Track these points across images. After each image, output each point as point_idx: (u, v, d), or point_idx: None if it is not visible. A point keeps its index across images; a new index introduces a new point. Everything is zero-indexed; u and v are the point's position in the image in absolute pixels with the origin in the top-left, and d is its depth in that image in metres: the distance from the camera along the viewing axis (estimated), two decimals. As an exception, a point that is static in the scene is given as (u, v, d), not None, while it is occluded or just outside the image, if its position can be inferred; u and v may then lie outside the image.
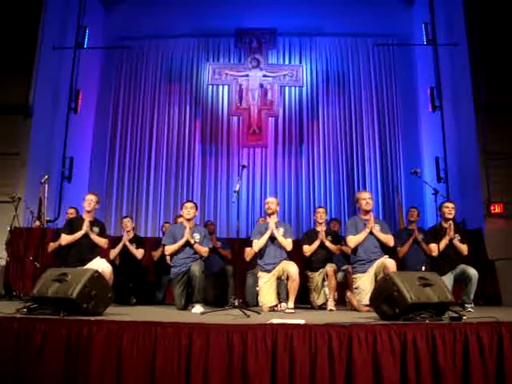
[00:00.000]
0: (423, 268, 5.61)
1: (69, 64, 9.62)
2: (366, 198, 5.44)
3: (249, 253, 6.14)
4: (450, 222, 5.47)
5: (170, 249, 5.50)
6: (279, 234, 5.50)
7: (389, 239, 5.38)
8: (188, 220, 5.55)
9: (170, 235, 5.58)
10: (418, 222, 6.65)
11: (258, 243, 5.51)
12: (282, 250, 5.50)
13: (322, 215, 6.18)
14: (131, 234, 6.57)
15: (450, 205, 5.55)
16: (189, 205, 5.63)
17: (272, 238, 5.50)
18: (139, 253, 6.43)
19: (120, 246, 6.35)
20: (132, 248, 6.38)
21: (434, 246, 5.43)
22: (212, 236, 6.76)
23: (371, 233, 5.31)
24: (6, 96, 8.16)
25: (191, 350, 2.95)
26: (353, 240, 5.33)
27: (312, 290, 5.94)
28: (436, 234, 5.53)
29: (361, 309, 5.05)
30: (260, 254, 5.56)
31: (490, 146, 7.93)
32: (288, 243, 5.51)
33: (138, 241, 6.57)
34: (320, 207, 6.56)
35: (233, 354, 2.93)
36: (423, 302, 3.44)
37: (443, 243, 5.39)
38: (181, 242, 5.41)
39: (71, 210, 6.76)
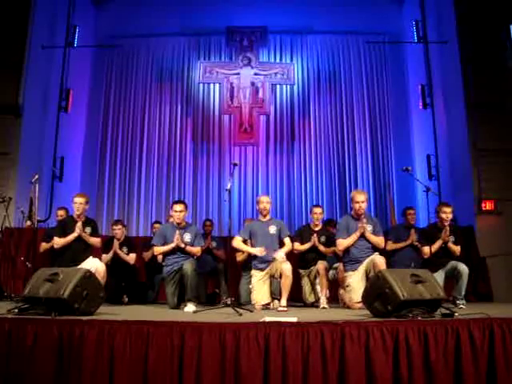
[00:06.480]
0: (412, 265, 5.62)
1: (59, 63, 9.54)
2: (359, 202, 5.25)
3: (239, 257, 6.19)
4: (447, 226, 5.43)
5: (159, 250, 5.45)
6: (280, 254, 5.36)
7: (380, 242, 5.34)
8: (178, 224, 5.45)
9: (160, 235, 5.49)
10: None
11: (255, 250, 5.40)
12: (276, 246, 5.46)
13: (319, 216, 6.12)
14: (122, 237, 6.50)
15: (448, 209, 5.45)
16: (178, 208, 5.41)
17: (266, 236, 5.45)
18: (131, 258, 6.35)
19: (111, 253, 6.24)
20: (123, 255, 6.29)
21: (426, 249, 5.39)
22: (208, 237, 6.75)
23: (363, 235, 5.27)
24: (-4, 96, 8.10)
25: (184, 348, 2.94)
26: (343, 244, 5.28)
27: (304, 288, 5.94)
28: (429, 235, 5.51)
29: (353, 306, 5.05)
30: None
31: (481, 143, 7.96)
32: (288, 244, 5.52)
33: (128, 244, 6.48)
34: (317, 206, 6.43)
35: (225, 352, 2.93)
36: (415, 298, 3.45)
37: (437, 245, 5.37)
38: (170, 247, 5.33)
39: (61, 212, 6.63)
